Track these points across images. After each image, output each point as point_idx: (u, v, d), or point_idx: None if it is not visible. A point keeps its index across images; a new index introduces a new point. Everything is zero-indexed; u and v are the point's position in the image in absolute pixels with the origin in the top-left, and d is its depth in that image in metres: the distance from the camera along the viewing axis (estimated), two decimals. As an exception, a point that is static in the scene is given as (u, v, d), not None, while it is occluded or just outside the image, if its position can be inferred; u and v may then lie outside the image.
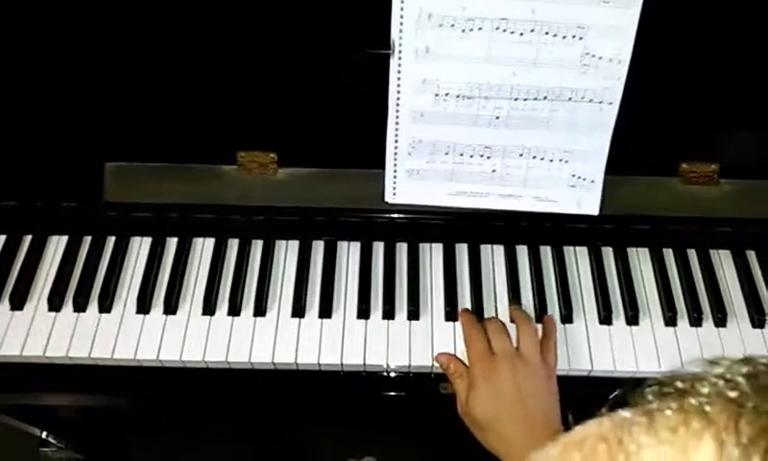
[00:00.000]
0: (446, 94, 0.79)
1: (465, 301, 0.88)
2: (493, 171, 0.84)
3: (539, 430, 0.73)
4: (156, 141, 0.89)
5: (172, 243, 0.92)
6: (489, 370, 0.76)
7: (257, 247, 0.92)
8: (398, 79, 0.78)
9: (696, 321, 0.87)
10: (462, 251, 0.92)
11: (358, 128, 0.84)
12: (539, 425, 0.73)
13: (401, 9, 0.74)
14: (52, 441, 1.20)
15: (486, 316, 0.86)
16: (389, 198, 0.87)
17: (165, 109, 0.87)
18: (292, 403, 0.90)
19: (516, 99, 0.79)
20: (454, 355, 0.81)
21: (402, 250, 0.92)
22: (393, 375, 0.85)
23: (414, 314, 0.86)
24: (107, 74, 0.85)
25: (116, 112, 0.87)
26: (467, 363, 0.80)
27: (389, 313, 0.86)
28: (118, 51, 0.84)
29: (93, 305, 0.87)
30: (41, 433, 1.18)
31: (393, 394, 0.86)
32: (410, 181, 0.85)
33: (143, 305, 0.87)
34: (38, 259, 0.91)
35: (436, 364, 0.83)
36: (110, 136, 0.89)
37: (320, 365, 0.83)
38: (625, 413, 0.30)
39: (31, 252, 0.91)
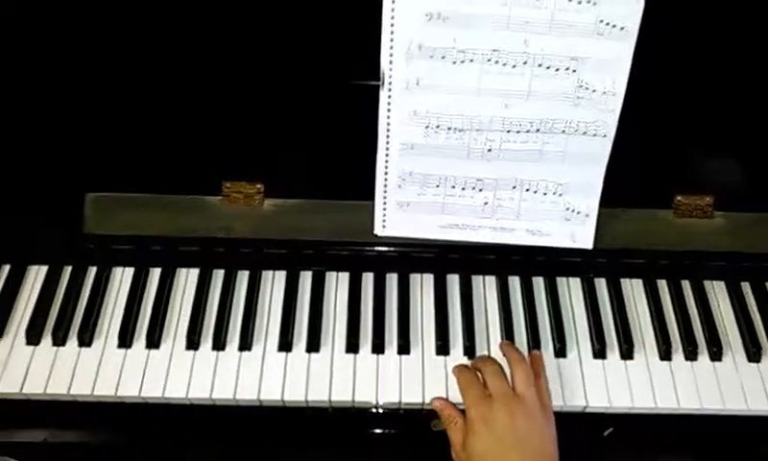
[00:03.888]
0: (437, 126, 0.77)
1: (456, 334, 0.86)
2: (485, 204, 0.82)
3: None
4: (138, 171, 0.86)
5: (155, 275, 0.90)
6: (486, 414, 0.74)
7: (243, 279, 0.89)
8: (388, 110, 0.77)
9: (691, 355, 0.85)
10: (453, 282, 0.90)
11: (347, 159, 0.82)
12: None
13: (391, 40, 0.72)
14: (27, 470, 1.17)
15: (478, 349, 0.85)
16: (378, 231, 0.85)
17: (148, 137, 0.85)
18: (278, 440, 0.88)
19: (508, 131, 0.77)
20: (449, 401, 0.79)
21: (392, 281, 0.90)
22: (382, 411, 0.83)
23: (404, 348, 0.84)
24: (87, 101, 0.83)
25: (98, 141, 0.85)
26: (460, 407, 0.78)
27: (378, 347, 0.84)
28: (100, 78, 0.82)
29: (73, 339, 0.84)
30: (15, 463, 1.15)
31: (382, 431, 0.84)
32: (400, 213, 0.84)
33: (125, 340, 0.84)
34: (16, 291, 0.88)
35: (427, 400, 0.80)
36: (91, 165, 0.86)
37: (307, 402, 0.81)
38: None
39: (8, 282, 0.89)
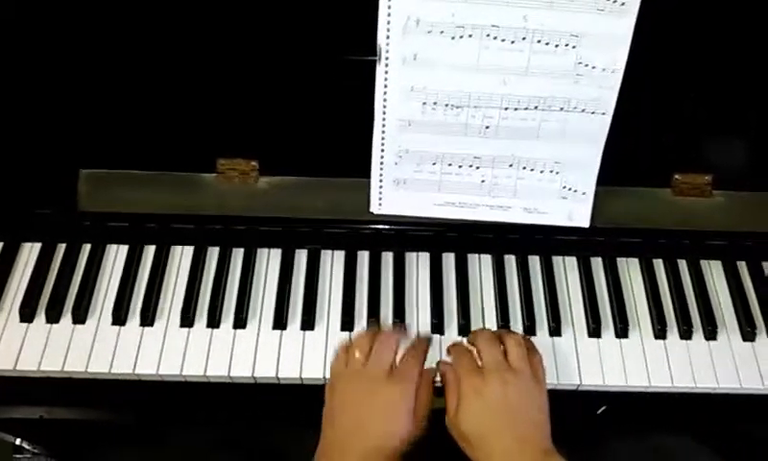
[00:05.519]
0: (435, 103, 0.76)
1: (451, 312, 0.86)
2: (482, 182, 0.82)
3: (528, 448, 0.71)
4: (133, 148, 0.85)
5: (149, 252, 0.89)
6: (478, 384, 0.74)
7: (238, 256, 0.89)
8: (385, 86, 0.76)
9: (686, 334, 0.85)
10: (449, 261, 0.90)
11: (343, 136, 0.81)
12: (528, 443, 0.71)
13: (388, 14, 0.71)
14: (26, 447, 1.17)
15: (473, 328, 0.84)
16: (374, 208, 0.85)
17: (143, 114, 0.84)
18: (272, 417, 0.88)
19: (506, 108, 0.76)
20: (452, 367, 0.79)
21: (388, 259, 0.89)
22: (377, 388, 0.83)
23: (399, 326, 0.84)
24: (82, 78, 0.82)
25: (92, 117, 0.84)
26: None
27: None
28: (93, 55, 0.80)
29: (67, 317, 0.84)
30: (15, 440, 1.15)
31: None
32: (396, 191, 0.83)
33: (119, 317, 0.84)
34: (10, 267, 0.88)
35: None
36: (86, 142, 0.85)
37: (302, 379, 0.81)
38: None
39: (2, 259, 0.88)
